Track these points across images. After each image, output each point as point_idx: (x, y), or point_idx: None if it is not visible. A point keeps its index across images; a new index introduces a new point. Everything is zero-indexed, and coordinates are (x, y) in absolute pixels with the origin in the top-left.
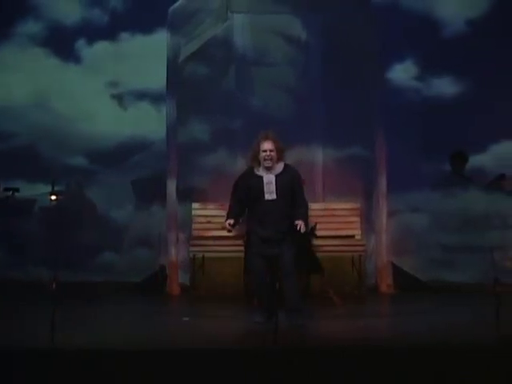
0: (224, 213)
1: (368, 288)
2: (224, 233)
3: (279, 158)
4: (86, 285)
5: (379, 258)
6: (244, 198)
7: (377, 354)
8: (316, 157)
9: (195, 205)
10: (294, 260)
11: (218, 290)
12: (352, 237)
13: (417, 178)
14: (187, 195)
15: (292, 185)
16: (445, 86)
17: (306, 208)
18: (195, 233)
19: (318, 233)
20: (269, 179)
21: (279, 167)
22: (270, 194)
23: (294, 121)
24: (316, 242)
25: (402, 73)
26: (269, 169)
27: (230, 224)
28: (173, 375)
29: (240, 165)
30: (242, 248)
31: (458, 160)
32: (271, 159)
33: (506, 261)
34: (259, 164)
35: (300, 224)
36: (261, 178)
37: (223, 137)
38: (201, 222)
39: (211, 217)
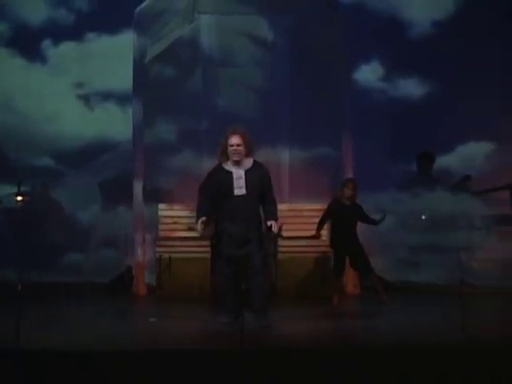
0: (191, 213)
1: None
2: (190, 233)
3: (248, 153)
4: (52, 285)
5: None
6: (214, 194)
7: (342, 355)
8: (283, 157)
9: (161, 205)
10: (263, 260)
11: (185, 290)
12: (318, 237)
13: (384, 179)
14: (154, 196)
15: (261, 181)
16: (411, 87)
17: (276, 206)
18: (162, 233)
19: (285, 233)
20: (238, 174)
21: (248, 163)
22: (239, 189)
23: (261, 121)
24: (283, 242)
25: (369, 74)
26: (237, 163)
27: (203, 222)
28: (138, 376)
29: (206, 165)
30: (208, 249)
31: (424, 160)
32: (239, 153)
33: (471, 261)
34: (228, 159)
35: (273, 224)
36: (230, 173)
37: (190, 137)
38: (167, 223)
39: (177, 217)
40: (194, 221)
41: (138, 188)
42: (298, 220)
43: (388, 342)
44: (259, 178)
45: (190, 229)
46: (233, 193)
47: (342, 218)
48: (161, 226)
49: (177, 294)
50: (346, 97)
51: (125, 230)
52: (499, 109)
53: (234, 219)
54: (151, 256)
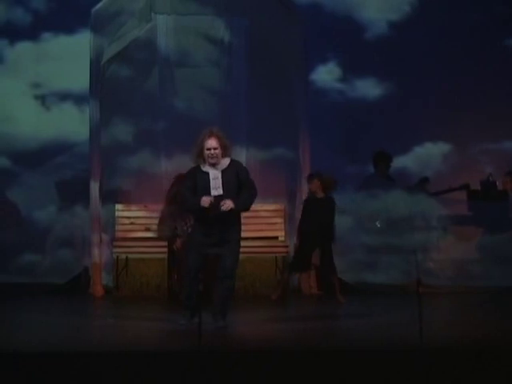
0: (148, 214)
1: (291, 289)
2: (147, 234)
3: (224, 154)
4: (7, 286)
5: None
6: (194, 192)
7: (299, 356)
8: (240, 158)
9: (118, 206)
10: (235, 264)
11: (142, 291)
12: (275, 238)
13: (341, 179)
14: (111, 196)
15: (238, 179)
16: (368, 88)
17: (251, 195)
18: (119, 234)
19: (242, 234)
20: (215, 175)
21: (225, 163)
22: (216, 189)
23: (218, 122)
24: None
25: (326, 74)
26: (214, 165)
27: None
28: (95, 378)
29: (164, 166)
30: (165, 249)
31: (381, 161)
32: (216, 157)
33: (428, 262)
34: (204, 161)
35: (227, 202)
36: (207, 173)
37: (147, 138)
38: (124, 224)
39: (134, 218)
40: (150, 221)
41: (94, 188)
42: (255, 220)
43: (345, 344)
44: (235, 176)
45: (147, 229)
46: (209, 193)
47: (316, 211)
48: (118, 227)
49: (134, 295)
50: (303, 97)
51: (81, 231)
52: (455, 110)
53: (211, 219)
54: (108, 257)
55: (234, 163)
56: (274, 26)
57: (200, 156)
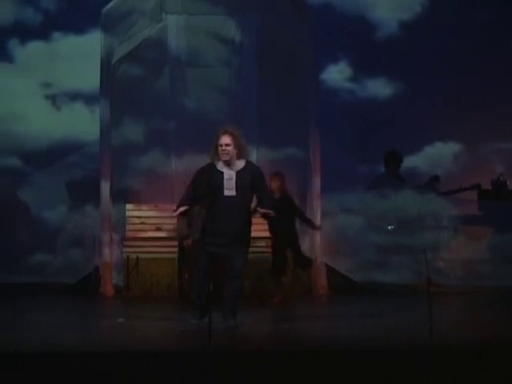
0: (158, 213)
1: (301, 289)
2: (158, 233)
3: (239, 155)
4: (18, 286)
5: (313, 259)
6: (201, 191)
7: (310, 356)
8: (251, 157)
9: (129, 206)
10: (244, 264)
11: (153, 290)
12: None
13: (351, 179)
14: (121, 196)
15: (253, 182)
16: (378, 88)
17: (271, 199)
18: (129, 234)
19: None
20: (229, 175)
21: (240, 164)
22: (229, 190)
23: (229, 121)
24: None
25: (337, 74)
26: (228, 164)
27: (175, 209)
28: (106, 377)
29: (174, 166)
30: (175, 249)
31: (392, 161)
32: (228, 154)
33: (438, 261)
34: (219, 159)
35: (264, 208)
36: (221, 173)
37: (157, 138)
38: (135, 223)
39: (145, 218)
40: (161, 221)
41: (105, 188)
42: (264, 220)
43: (355, 344)
44: (250, 179)
45: (158, 229)
46: (222, 193)
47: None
48: (128, 227)
49: (144, 295)
50: (314, 97)
51: (92, 231)
52: (466, 109)
53: (222, 219)
54: (119, 256)
55: (249, 165)
56: (285, 25)
57: (215, 154)
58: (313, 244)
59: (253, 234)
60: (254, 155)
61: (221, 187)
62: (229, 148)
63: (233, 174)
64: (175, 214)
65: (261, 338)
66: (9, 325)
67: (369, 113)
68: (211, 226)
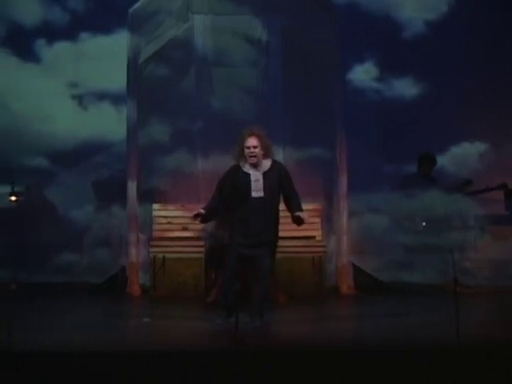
0: (185, 213)
1: (328, 289)
2: (185, 233)
3: (266, 155)
4: (45, 286)
5: (340, 259)
6: (228, 194)
7: (336, 356)
8: (277, 157)
9: (156, 206)
10: (271, 265)
11: (179, 290)
12: (312, 238)
13: (377, 179)
14: (148, 196)
15: (280, 181)
16: (405, 87)
17: (300, 199)
18: (156, 233)
19: (279, 234)
20: (256, 177)
21: (266, 164)
22: (257, 191)
23: (255, 121)
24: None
25: (363, 74)
26: (255, 166)
27: (198, 213)
28: (132, 377)
29: (200, 165)
30: (202, 249)
31: (426, 163)
32: (255, 156)
33: (465, 261)
34: (246, 160)
35: (301, 214)
36: (248, 175)
37: (183, 137)
38: (161, 223)
39: (172, 218)
40: (187, 221)
41: (132, 188)
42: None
43: (382, 343)
44: (277, 179)
45: (184, 229)
46: (250, 195)
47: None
48: (155, 226)
49: (171, 295)
50: (340, 97)
51: (119, 230)
52: (492, 109)
53: (251, 220)
54: (145, 256)
55: (276, 165)
56: (311, 25)
57: (241, 155)
58: (339, 243)
59: (286, 234)
60: (280, 155)
61: (248, 189)
62: (256, 150)
63: (260, 175)
64: (194, 218)
65: (286, 338)
66: (36, 325)
67: (395, 112)
68: (240, 228)
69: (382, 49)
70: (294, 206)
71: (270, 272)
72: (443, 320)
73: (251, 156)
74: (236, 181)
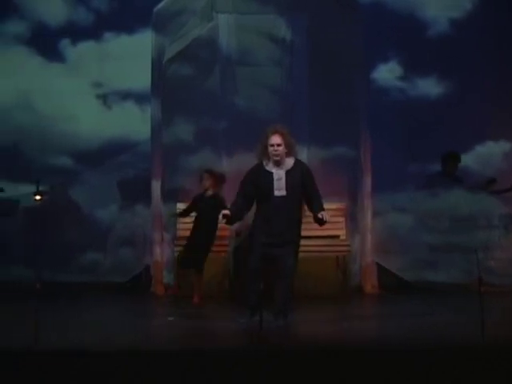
0: None
1: (353, 288)
2: None
3: (289, 153)
4: (70, 285)
5: (364, 258)
6: (251, 193)
7: (361, 356)
8: (301, 156)
9: (180, 205)
10: (294, 264)
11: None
12: (337, 237)
13: (402, 178)
14: (172, 195)
15: (302, 180)
16: (429, 86)
17: (322, 199)
18: (180, 233)
19: (303, 233)
20: (279, 175)
21: (289, 163)
22: (279, 190)
23: (279, 120)
24: (301, 242)
25: (387, 73)
26: (278, 164)
27: (225, 215)
28: (157, 376)
29: (225, 165)
30: (226, 248)
31: (450, 161)
32: (279, 154)
33: (490, 260)
34: (269, 159)
35: (324, 214)
36: (271, 173)
37: (208, 137)
38: (186, 222)
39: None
40: None
41: (156, 187)
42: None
43: (406, 343)
44: (300, 178)
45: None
46: (273, 193)
47: (202, 210)
48: (179, 225)
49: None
50: (364, 96)
51: (143, 230)
52: None
53: (273, 219)
54: (169, 255)
55: (298, 164)
56: (335, 24)
57: (264, 154)
58: (364, 243)
59: (310, 233)
60: (304, 154)
61: (271, 188)
62: (280, 148)
63: (282, 173)
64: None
65: (309, 337)
66: (60, 324)
67: (419, 111)
68: (262, 227)
69: (407, 48)
70: (315, 205)
71: (293, 271)
72: (468, 319)
73: (275, 154)
74: (258, 179)
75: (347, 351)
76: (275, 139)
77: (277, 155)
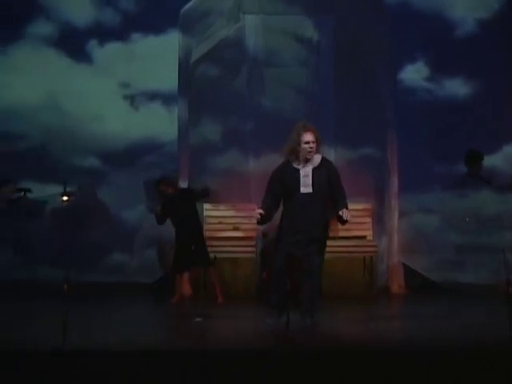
0: (236, 213)
1: (379, 289)
2: (236, 233)
3: (317, 150)
4: (97, 285)
5: (391, 258)
6: (279, 191)
7: (387, 356)
8: (328, 157)
9: (207, 206)
10: (321, 263)
11: (230, 290)
12: (363, 237)
13: (428, 179)
14: None
15: (329, 178)
16: (456, 87)
17: (346, 199)
18: (207, 233)
19: (331, 233)
20: (305, 172)
21: (316, 160)
22: (305, 187)
23: (306, 121)
24: (328, 242)
25: (414, 73)
26: (307, 161)
27: (260, 214)
28: (184, 376)
29: (252, 165)
30: (253, 249)
31: (473, 160)
32: (313, 151)
33: None
34: (296, 157)
35: (345, 212)
36: (297, 170)
37: (235, 137)
38: (212, 223)
39: (223, 217)
40: (239, 221)
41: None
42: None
43: (434, 344)
44: (326, 175)
45: (236, 229)
46: (299, 191)
47: (177, 209)
48: (206, 226)
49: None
50: (391, 97)
51: (170, 231)
52: None
53: (299, 217)
54: None
55: (325, 162)
56: (362, 25)
57: (293, 151)
58: (390, 243)
59: (337, 234)
60: (331, 155)
61: (297, 184)
62: (314, 145)
63: (309, 170)
64: (256, 219)
65: (336, 337)
66: (87, 324)
67: (446, 112)
68: (288, 225)
69: (433, 48)
70: (340, 204)
71: (320, 271)
72: (496, 321)
73: (310, 151)
74: (285, 177)
75: (373, 352)
76: (309, 136)
77: (311, 152)
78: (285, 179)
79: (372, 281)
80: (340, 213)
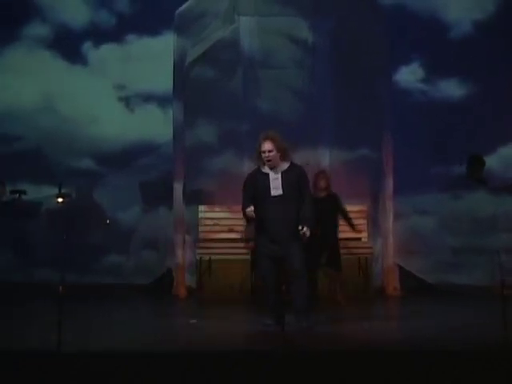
0: (231, 215)
1: (374, 290)
2: (231, 235)
3: (282, 158)
4: (92, 287)
5: (386, 260)
6: (252, 195)
7: (382, 357)
8: (323, 158)
9: (202, 207)
10: (303, 262)
11: (225, 292)
12: (359, 239)
13: (424, 180)
14: (194, 198)
15: (298, 182)
16: (452, 88)
17: (311, 209)
18: (202, 235)
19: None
20: (275, 175)
21: (284, 166)
22: (276, 189)
23: (302, 123)
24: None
25: (409, 75)
26: (272, 168)
27: (252, 210)
28: (179, 378)
29: (247, 167)
30: (248, 250)
31: (475, 165)
32: (271, 160)
33: None
34: (263, 163)
35: (304, 230)
36: (267, 175)
37: (230, 139)
38: (208, 225)
39: (218, 219)
40: (234, 222)
41: (178, 189)
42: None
43: (428, 345)
44: (296, 177)
45: (231, 230)
46: (270, 194)
47: (319, 211)
48: (201, 228)
49: (217, 296)
50: (387, 98)
51: (165, 232)
52: None
53: (272, 219)
54: (191, 258)
55: (294, 166)
56: (358, 26)
57: (259, 159)
58: (385, 245)
59: None
60: (327, 156)
61: (268, 188)
62: (271, 154)
63: (278, 173)
64: (248, 215)
65: (331, 338)
66: (83, 325)
67: (442, 114)
68: (263, 228)
69: (429, 49)
70: (302, 215)
71: (304, 271)
72: (490, 322)
73: (267, 160)
74: (256, 182)
75: (371, 352)
76: (266, 146)
77: (269, 160)
78: (257, 184)
79: (367, 282)
80: (299, 227)
